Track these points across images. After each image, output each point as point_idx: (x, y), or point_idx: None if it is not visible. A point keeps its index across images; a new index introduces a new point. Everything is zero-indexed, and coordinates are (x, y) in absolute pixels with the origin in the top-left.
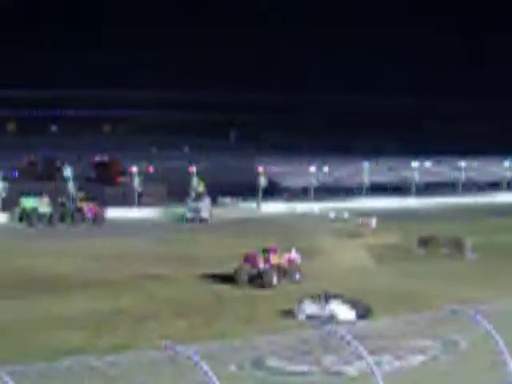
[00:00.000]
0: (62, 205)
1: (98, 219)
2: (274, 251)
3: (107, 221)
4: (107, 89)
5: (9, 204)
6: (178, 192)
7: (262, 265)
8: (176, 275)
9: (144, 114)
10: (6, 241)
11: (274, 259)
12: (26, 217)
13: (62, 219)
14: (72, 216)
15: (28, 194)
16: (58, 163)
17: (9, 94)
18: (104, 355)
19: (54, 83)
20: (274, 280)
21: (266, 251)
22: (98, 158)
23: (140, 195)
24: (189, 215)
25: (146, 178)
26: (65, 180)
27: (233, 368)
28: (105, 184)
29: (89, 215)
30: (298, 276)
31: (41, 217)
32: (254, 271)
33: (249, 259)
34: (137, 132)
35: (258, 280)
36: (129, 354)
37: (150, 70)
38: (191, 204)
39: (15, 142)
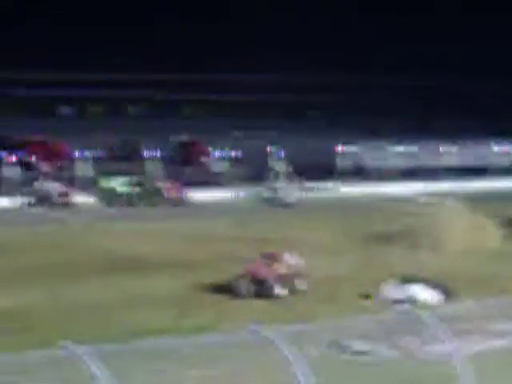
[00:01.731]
0: (142, 185)
1: (178, 200)
2: (277, 258)
3: (187, 202)
4: (188, 72)
5: (92, 184)
6: (259, 174)
7: (263, 275)
8: (256, 256)
9: (225, 95)
10: (89, 221)
11: (278, 267)
12: (108, 197)
13: (144, 200)
14: (152, 197)
15: (110, 174)
16: (140, 144)
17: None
18: (187, 336)
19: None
20: (282, 291)
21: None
22: (179, 139)
23: (220, 176)
24: (270, 196)
25: (227, 159)
26: (145, 160)
27: (314, 350)
28: (186, 165)
29: (169, 196)
30: (303, 285)
31: (123, 197)
32: (257, 283)
33: (251, 269)
34: (219, 114)
35: (262, 293)
36: (212, 335)
37: (228, 51)
38: (272, 185)
39: (98, 124)
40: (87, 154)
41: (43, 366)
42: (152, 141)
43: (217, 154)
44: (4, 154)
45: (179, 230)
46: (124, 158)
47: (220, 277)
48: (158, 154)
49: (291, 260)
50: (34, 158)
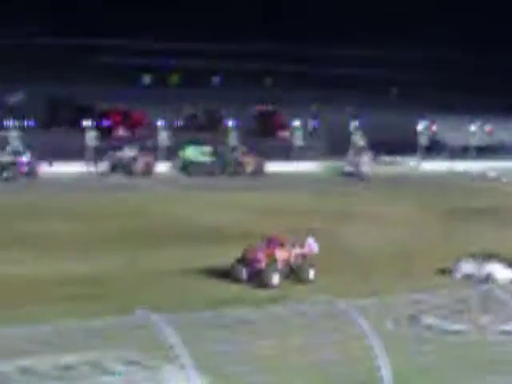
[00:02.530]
0: (223, 156)
1: (257, 172)
2: (280, 243)
3: (266, 174)
4: (271, 43)
5: (172, 154)
6: (338, 147)
7: (261, 261)
8: (332, 229)
9: (304, 68)
10: (167, 190)
11: (280, 254)
12: (187, 166)
13: (223, 170)
14: (232, 167)
15: (190, 144)
16: (220, 114)
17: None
18: (261, 306)
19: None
20: (274, 279)
21: (270, 244)
22: (259, 111)
23: (299, 149)
24: (349, 170)
25: (306, 132)
26: (226, 131)
27: (389, 324)
28: (266, 136)
29: (247, 167)
30: (311, 274)
31: (201, 167)
32: (254, 269)
33: (249, 255)
34: (301, 86)
35: (256, 279)
36: (285, 306)
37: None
38: (351, 159)
39: (179, 94)
40: (167, 123)
41: (120, 332)
42: (233, 111)
43: (297, 125)
44: (87, 122)
45: (256, 202)
46: (205, 128)
47: None
48: (239, 124)
49: (302, 247)
50: (114, 126)
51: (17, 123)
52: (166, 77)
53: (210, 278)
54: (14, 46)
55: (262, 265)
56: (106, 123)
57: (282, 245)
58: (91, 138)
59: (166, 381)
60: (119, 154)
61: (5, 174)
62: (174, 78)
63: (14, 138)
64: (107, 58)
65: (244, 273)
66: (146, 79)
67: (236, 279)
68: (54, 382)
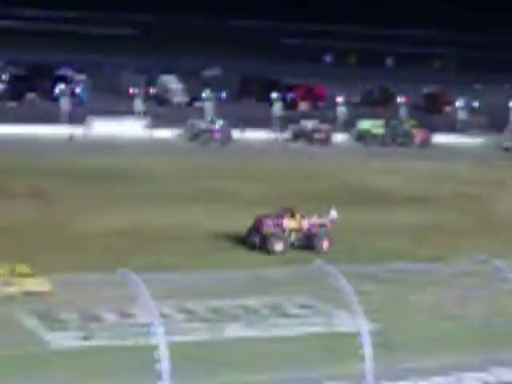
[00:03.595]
0: (394, 128)
1: (424, 143)
2: (291, 213)
3: (433, 145)
4: (440, 28)
5: (349, 125)
6: (497, 124)
7: (266, 229)
8: (490, 196)
9: (469, 52)
10: (343, 158)
11: (289, 223)
12: (362, 137)
13: (393, 141)
14: (402, 138)
15: (364, 117)
16: (392, 91)
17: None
18: (419, 263)
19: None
20: (276, 246)
21: (280, 213)
22: (427, 90)
23: (462, 124)
24: (507, 145)
25: (468, 109)
26: (397, 106)
27: None
28: (432, 112)
29: (416, 139)
30: (324, 245)
31: (375, 138)
32: (262, 236)
33: (257, 223)
34: (464, 69)
35: (263, 246)
36: (444, 264)
37: None
38: (510, 135)
39: (356, 72)
40: (345, 98)
41: (295, 280)
42: (403, 89)
43: (460, 104)
44: (275, 94)
45: (423, 170)
46: (378, 103)
47: (458, 215)
48: (409, 101)
49: (314, 218)
50: (298, 99)
51: (212, 95)
52: (345, 56)
53: (375, 236)
54: (212, 28)
55: (268, 232)
56: (290, 96)
57: (292, 214)
58: (277, 108)
59: (338, 325)
60: (302, 124)
61: (201, 139)
62: (352, 58)
63: (209, 107)
64: (292, 39)
65: (256, 240)
66: (329, 58)
67: (251, 245)
68: (239, 321)
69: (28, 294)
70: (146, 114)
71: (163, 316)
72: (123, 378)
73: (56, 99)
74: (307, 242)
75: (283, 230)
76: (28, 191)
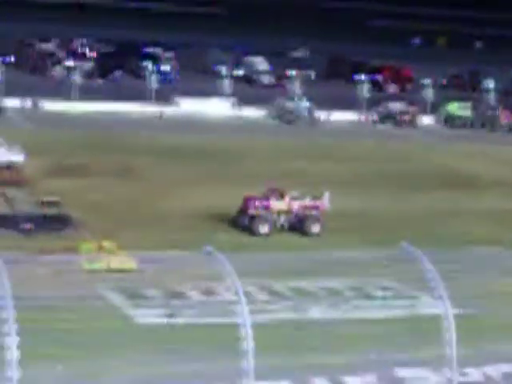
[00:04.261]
0: (482, 112)
1: (511, 126)
2: (280, 194)
3: None
4: None
5: (436, 108)
6: None
7: (253, 210)
8: None
9: None
10: (430, 140)
11: (276, 204)
12: (449, 120)
13: (481, 125)
14: (488, 122)
15: (453, 100)
16: (480, 75)
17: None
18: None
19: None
20: (261, 228)
21: (268, 195)
22: None
23: None
24: None
25: None
26: (486, 91)
27: None
28: None
29: (503, 122)
30: (315, 228)
31: (462, 121)
32: (249, 217)
33: (246, 203)
34: None
35: (249, 227)
36: None
37: None
38: None
39: (443, 54)
40: (433, 80)
41: (380, 262)
42: (490, 73)
43: None
44: (361, 76)
45: (510, 154)
46: (466, 87)
47: None
48: (497, 85)
49: (314, 200)
50: (385, 81)
51: (299, 74)
52: (433, 39)
53: (459, 220)
54: (300, 9)
55: (254, 213)
56: (377, 78)
57: (281, 195)
58: (365, 90)
59: (422, 308)
60: (388, 105)
61: (288, 119)
62: (442, 40)
63: (295, 87)
64: (381, 21)
65: (244, 220)
66: (416, 40)
67: (239, 226)
68: (323, 302)
69: (114, 270)
70: (232, 93)
71: (247, 295)
72: (207, 355)
73: (143, 77)
74: (298, 225)
75: (270, 211)
76: (116, 169)
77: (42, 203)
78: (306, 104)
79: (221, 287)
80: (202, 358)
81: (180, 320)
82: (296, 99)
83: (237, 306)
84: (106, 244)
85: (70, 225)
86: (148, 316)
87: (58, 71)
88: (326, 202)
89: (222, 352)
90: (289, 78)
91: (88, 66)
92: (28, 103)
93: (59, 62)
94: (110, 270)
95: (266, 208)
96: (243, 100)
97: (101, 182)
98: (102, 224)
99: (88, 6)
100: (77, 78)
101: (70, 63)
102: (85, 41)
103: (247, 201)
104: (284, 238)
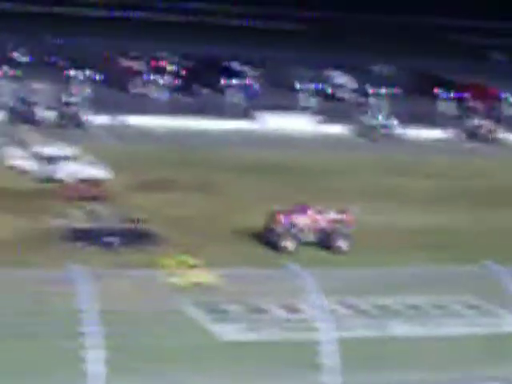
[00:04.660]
0: None
1: None
2: (304, 209)
3: None
4: None
5: None
6: None
7: (278, 225)
8: None
9: None
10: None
11: (302, 220)
12: None
13: None
14: None
15: None
16: None
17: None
18: None
19: None
20: (288, 244)
21: (293, 210)
22: None
23: None
24: None
25: None
26: None
27: None
28: None
29: None
30: (341, 244)
31: None
32: (273, 233)
33: (270, 219)
34: None
35: (274, 243)
36: None
37: None
38: None
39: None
40: None
41: (464, 280)
42: None
43: None
44: (443, 92)
45: None
46: None
47: None
48: None
49: (339, 214)
50: (470, 98)
51: (382, 91)
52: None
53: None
54: (381, 24)
55: (278, 229)
56: (461, 95)
57: (305, 210)
58: (448, 106)
59: (506, 326)
60: (472, 122)
61: (370, 135)
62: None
63: (378, 103)
64: (461, 36)
65: (269, 236)
66: (497, 55)
67: (265, 243)
68: (403, 319)
69: (194, 285)
70: (315, 109)
71: (330, 312)
72: (289, 371)
73: (227, 92)
74: (324, 241)
75: (295, 227)
76: (198, 184)
77: (127, 219)
78: (389, 121)
79: (303, 303)
80: (283, 375)
81: (262, 336)
82: (380, 116)
83: (321, 323)
84: (188, 259)
85: (153, 240)
86: (229, 332)
87: (142, 87)
88: (354, 216)
89: (304, 368)
90: (372, 94)
91: (172, 82)
92: (113, 119)
93: (144, 78)
94: (191, 285)
95: (292, 223)
96: (327, 116)
97: (183, 197)
98: (181, 239)
99: (172, 23)
100: (161, 94)
101: (154, 79)
102: (170, 57)
103: (271, 216)
104: (310, 254)
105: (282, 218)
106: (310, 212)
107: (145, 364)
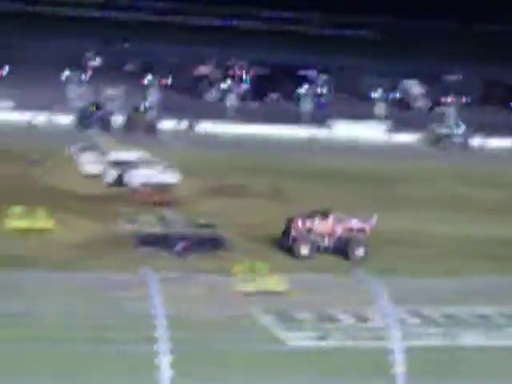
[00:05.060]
0: None
1: None
2: (322, 215)
3: None
4: None
5: None
6: None
7: (294, 231)
8: None
9: None
10: None
11: (319, 226)
12: None
13: None
14: None
15: None
16: None
17: None
18: None
19: None
20: (303, 250)
21: (311, 216)
22: None
23: None
24: None
25: None
26: None
27: None
28: None
29: None
30: (358, 252)
31: None
32: (290, 239)
33: (288, 225)
34: None
35: (291, 249)
36: None
37: None
38: None
39: None
40: None
41: None
42: None
43: None
44: None
45: None
46: None
47: None
48: None
49: (352, 221)
50: None
51: (454, 100)
52: None
53: None
54: (454, 32)
55: (295, 235)
56: None
57: (323, 217)
58: None
59: None
60: None
61: (442, 144)
62: None
63: (449, 112)
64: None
65: (287, 242)
66: None
67: (282, 248)
68: (474, 328)
69: (265, 292)
70: (387, 117)
71: (399, 320)
72: (357, 380)
73: (298, 100)
74: (341, 248)
75: (312, 233)
76: (268, 190)
77: (197, 224)
78: (461, 130)
79: (372, 311)
80: (354, 382)
81: (331, 343)
82: (451, 125)
83: (389, 331)
84: (259, 265)
85: (223, 246)
86: (299, 338)
87: (213, 93)
88: (372, 224)
89: (372, 377)
90: (444, 103)
91: (243, 88)
92: (184, 125)
93: (215, 84)
94: (261, 292)
95: (308, 229)
96: (397, 124)
97: (253, 204)
98: (259, 247)
99: (244, 29)
100: (232, 101)
101: (225, 85)
102: (240, 63)
103: (290, 222)
104: (326, 261)
105: (299, 223)
106: (330, 218)
107: (214, 369)
